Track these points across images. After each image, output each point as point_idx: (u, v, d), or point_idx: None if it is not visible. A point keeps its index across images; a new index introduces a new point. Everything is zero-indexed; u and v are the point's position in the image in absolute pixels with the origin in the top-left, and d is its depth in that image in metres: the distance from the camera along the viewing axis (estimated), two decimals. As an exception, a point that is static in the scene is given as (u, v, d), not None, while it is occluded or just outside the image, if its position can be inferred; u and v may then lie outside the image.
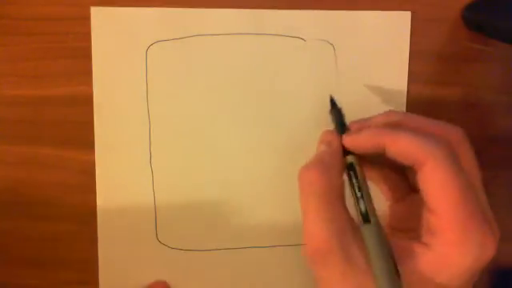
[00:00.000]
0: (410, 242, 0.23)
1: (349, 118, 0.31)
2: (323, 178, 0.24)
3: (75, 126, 0.30)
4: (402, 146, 0.23)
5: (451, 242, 0.22)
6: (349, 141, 0.25)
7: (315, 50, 0.30)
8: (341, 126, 0.26)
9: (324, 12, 0.30)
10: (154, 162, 0.30)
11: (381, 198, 0.27)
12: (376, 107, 0.31)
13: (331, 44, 0.30)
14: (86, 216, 0.30)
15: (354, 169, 0.25)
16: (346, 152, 0.25)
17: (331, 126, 0.30)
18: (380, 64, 0.31)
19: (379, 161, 0.27)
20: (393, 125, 0.25)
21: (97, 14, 0.29)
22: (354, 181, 0.24)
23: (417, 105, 0.31)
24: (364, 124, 0.26)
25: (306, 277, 0.32)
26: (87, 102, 0.30)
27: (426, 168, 0.22)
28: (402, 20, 0.31)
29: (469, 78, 0.32)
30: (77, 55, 0.29)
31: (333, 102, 0.27)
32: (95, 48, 0.29)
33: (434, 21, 0.31)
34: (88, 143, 0.30)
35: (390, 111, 0.26)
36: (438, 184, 0.22)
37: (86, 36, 0.29)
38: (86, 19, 0.29)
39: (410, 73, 0.31)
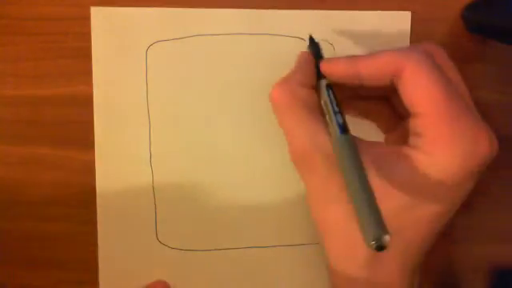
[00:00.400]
0: (400, 147, 0.23)
1: (347, 117, 0.31)
2: (286, 91, 0.24)
3: (75, 126, 0.30)
4: (378, 61, 0.23)
5: (440, 141, 0.21)
6: (325, 65, 0.25)
7: (315, 49, 0.30)
8: (317, 56, 0.27)
9: (324, 12, 0.30)
10: (154, 162, 0.30)
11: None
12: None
13: (331, 44, 0.30)
14: (86, 216, 0.30)
15: (331, 88, 0.25)
16: (320, 78, 0.26)
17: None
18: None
19: (363, 96, 0.27)
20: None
21: (97, 13, 0.29)
22: (332, 97, 0.25)
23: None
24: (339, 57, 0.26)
25: (307, 277, 0.32)
26: (87, 102, 0.30)
27: (405, 72, 0.22)
28: (402, 20, 0.31)
29: (469, 78, 0.32)
30: (77, 55, 0.29)
31: (311, 39, 0.28)
32: (95, 48, 0.29)
33: (434, 21, 0.31)
34: (88, 143, 0.30)
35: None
36: (418, 85, 0.22)
37: (86, 36, 0.29)
38: (86, 19, 0.29)
39: (410, 73, 0.31)
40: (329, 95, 0.25)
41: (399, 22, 0.31)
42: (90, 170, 0.30)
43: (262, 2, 0.30)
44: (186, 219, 0.31)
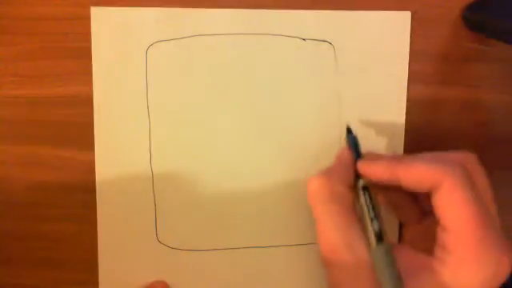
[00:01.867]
0: (426, 258, 0.24)
1: (347, 117, 0.31)
2: (326, 185, 0.25)
3: (75, 126, 0.30)
4: (418, 172, 0.24)
5: (467, 259, 0.22)
6: (363, 166, 0.26)
7: (315, 49, 0.30)
8: (356, 152, 0.27)
9: (324, 12, 0.30)
10: (154, 162, 0.30)
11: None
12: (376, 107, 0.31)
13: (331, 44, 0.30)
14: (86, 216, 0.30)
15: (368, 189, 0.26)
16: (359, 176, 0.26)
17: (331, 126, 0.30)
18: (380, 64, 0.31)
19: (392, 187, 0.28)
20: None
21: (97, 13, 0.29)
22: (368, 201, 0.25)
23: (417, 105, 0.31)
24: (379, 156, 0.27)
25: (307, 277, 0.32)
26: (87, 102, 0.30)
27: (442, 189, 0.23)
28: (402, 20, 0.31)
29: (469, 78, 0.32)
30: (77, 55, 0.29)
31: (348, 129, 0.28)
32: (95, 48, 0.29)
33: (434, 21, 0.31)
34: (88, 143, 0.30)
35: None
36: (454, 203, 0.23)
37: (86, 36, 0.29)
38: (86, 19, 0.29)
39: (410, 73, 0.31)
40: (365, 199, 0.25)
41: (399, 21, 0.31)
42: (90, 170, 0.30)
43: (262, 2, 0.30)
44: (186, 219, 0.31)
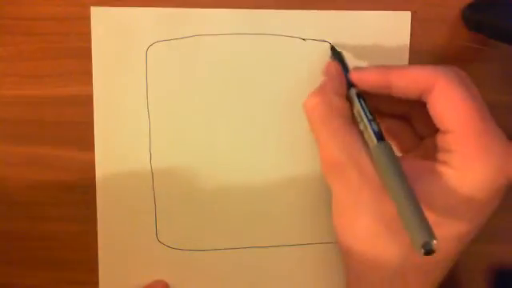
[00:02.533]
0: (430, 163, 0.23)
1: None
2: (322, 101, 0.25)
3: (75, 126, 0.30)
4: (411, 74, 0.23)
5: (471, 156, 0.21)
6: (355, 74, 0.26)
7: (315, 49, 0.30)
8: (343, 64, 0.27)
9: (324, 12, 0.30)
10: (154, 162, 0.30)
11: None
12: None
13: (331, 44, 0.30)
14: (86, 216, 0.30)
15: (362, 96, 0.26)
16: (350, 86, 0.26)
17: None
18: (380, 64, 0.31)
19: (384, 114, 0.27)
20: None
21: (97, 13, 0.29)
22: (364, 105, 0.25)
23: (417, 105, 0.31)
24: (368, 67, 0.26)
25: (307, 277, 0.32)
26: (87, 102, 0.30)
27: (437, 88, 0.22)
28: (402, 20, 0.31)
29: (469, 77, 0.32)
30: (77, 55, 0.29)
31: (332, 48, 0.28)
32: (95, 48, 0.29)
33: (434, 21, 0.31)
34: (88, 143, 0.30)
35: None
36: (450, 100, 0.22)
37: (86, 36, 0.29)
38: (86, 19, 0.29)
39: (410, 73, 0.31)
40: (361, 103, 0.25)
41: (399, 21, 0.31)
42: (90, 170, 0.30)
43: (262, 2, 0.30)
44: (186, 219, 0.31)
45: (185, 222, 0.31)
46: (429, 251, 0.20)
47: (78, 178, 0.30)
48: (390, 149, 0.23)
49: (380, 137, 0.24)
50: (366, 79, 0.25)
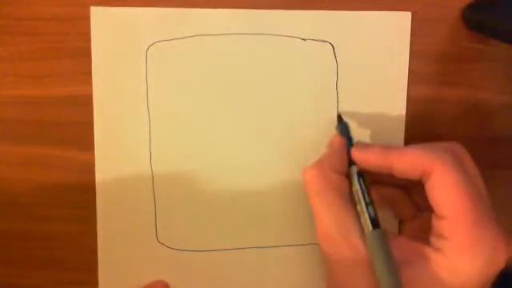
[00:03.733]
0: (422, 247, 0.24)
1: (347, 117, 0.31)
2: (319, 175, 0.25)
3: (75, 126, 0.30)
4: (410, 158, 0.24)
5: (462, 246, 0.22)
6: (357, 153, 0.26)
7: (315, 49, 0.30)
8: (348, 139, 0.27)
9: (324, 12, 0.30)
10: (154, 162, 0.30)
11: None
12: (376, 107, 0.31)
13: (331, 44, 0.30)
14: (86, 216, 0.30)
15: (362, 175, 0.26)
16: (352, 163, 0.26)
17: (331, 126, 0.30)
18: (380, 64, 0.31)
19: (385, 183, 0.28)
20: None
21: (97, 13, 0.29)
22: (363, 186, 0.25)
23: (417, 105, 0.31)
24: (370, 144, 0.27)
25: (306, 277, 0.32)
26: (87, 102, 0.30)
27: (434, 174, 0.23)
28: (402, 20, 0.31)
29: (469, 78, 0.32)
30: (77, 55, 0.29)
31: (339, 117, 0.29)
32: (95, 48, 0.29)
33: (434, 21, 0.31)
34: (88, 143, 0.30)
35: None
36: (447, 188, 0.23)
37: (86, 36, 0.29)
38: (86, 19, 0.29)
39: (410, 73, 0.31)
40: (360, 184, 0.25)
41: (399, 21, 0.31)
42: (90, 170, 0.30)
43: (262, 1, 0.30)
44: (186, 219, 0.31)
45: (185, 222, 0.31)
46: None
47: (77, 178, 0.30)
48: (384, 237, 0.24)
49: (375, 223, 0.24)
50: (366, 160, 0.26)
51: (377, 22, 0.30)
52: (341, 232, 0.24)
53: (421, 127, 0.32)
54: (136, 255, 0.31)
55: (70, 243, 0.31)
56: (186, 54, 0.30)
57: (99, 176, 0.30)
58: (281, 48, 0.30)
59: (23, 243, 0.31)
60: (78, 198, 0.30)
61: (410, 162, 0.24)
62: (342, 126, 0.28)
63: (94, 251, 0.30)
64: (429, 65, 0.31)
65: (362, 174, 0.26)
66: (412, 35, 0.31)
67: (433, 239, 0.24)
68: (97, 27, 0.29)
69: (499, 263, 0.22)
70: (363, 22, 0.30)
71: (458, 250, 0.22)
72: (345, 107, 0.31)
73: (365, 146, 0.26)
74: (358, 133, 0.30)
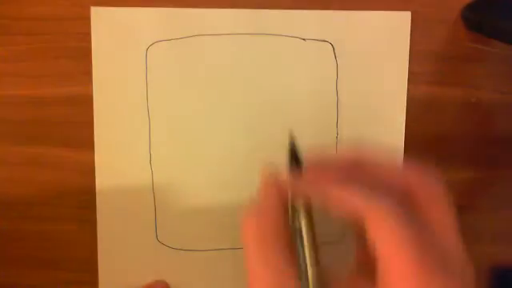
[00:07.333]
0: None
1: (347, 117, 0.31)
2: (257, 227, 0.23)
3: (75, 126, 0.30)
4: (344, 201, 0.22)
5: None
6: (295, 187, 0.24)
7: (315, 49, 0.30)
8: (296, 162, 0.25)
9: (324, 12, 0.30)
10: (154, 162, 0.30)
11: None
12: (376, 108, 0.31)
13: (331, 44, 0.30)
14: (86, 216, 0.30)
15: (310, 214, 0.24)
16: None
17: (331, 126, 0.30)
18: (380, 64, 0.31)
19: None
20: (351, 169, 0.23)
21: (97, 13, 0.29)
22: (306, 228, 0.23)
23: (417, 105, 0.31)
24: (319, 166, 0.24)
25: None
26: (87, 102, 0.30)
27: (367, 223, 0.21)
28: (402, 20, 0.31)
29: (469, 78, 0.32)
30: (77, 55, 0.29)
31: (291, 138, 0.26)
32: (95, 48, 0.29)
33: (434, 21, 0.31)
34: (88, 143, 0.30)
35: (354, 149, 0.24)
36: (380, 240, 0.20)
37: (86, 36, 0.29)
38: (86, 19, 0.29)
39: (410, 73, 0.31)
40: (300, 226, 0.23)
41: (399, 21, 0.31)
42: (90, 170, 0.30)
43: (262, 2, 0.30)
44: (186, 219, 0.31)
45: (184, 222, 0.31)
46: None
47: (77, 178, 0.30)
48: (323, 279, 0.22)
49: (315, 263, 0.23)
50: (304, 193, 0.23)
51: (377, 21, 0.30)
52: (280, 284, 0.22)
53: (421, 127, 0.32)
54: (136, 255, 0.31)
55: (70, 243, 0.31)
56: (186, 54, 0.30)
57: (99, 176, 0.30)
58: (281, 48, 0.30)
59: (23, 243, 0.31)
60: (78, 198, 0.30)
61: (343, 204, 0.22)
62: (293, 152, 0.25)
63: (94, 251, 0.30)
64: (429, 65, 0.31)
65: (308, 213, 0.23)
66: (411, 35, 0.31)
67: (378, 282, 0.21)
68: (97, 27, 0.29)
69: None
70: (363, 21, 0.30)
71: None
72: (344, 107, 0.31)
73: (310, 175, 0.23)
74: (358, 133, 0.30)
